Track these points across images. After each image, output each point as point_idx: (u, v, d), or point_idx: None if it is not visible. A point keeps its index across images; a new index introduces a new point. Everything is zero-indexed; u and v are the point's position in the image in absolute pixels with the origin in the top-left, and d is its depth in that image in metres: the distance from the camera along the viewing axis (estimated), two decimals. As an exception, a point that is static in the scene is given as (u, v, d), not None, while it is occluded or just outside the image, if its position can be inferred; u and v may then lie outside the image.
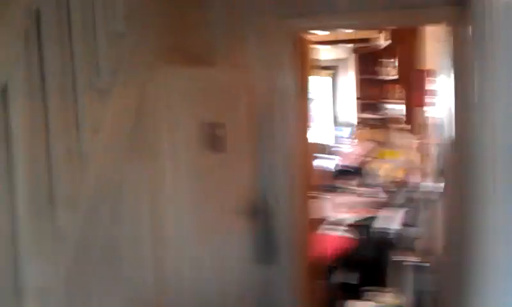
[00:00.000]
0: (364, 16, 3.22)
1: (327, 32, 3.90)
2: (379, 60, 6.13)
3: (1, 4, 1.42)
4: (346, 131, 7.24)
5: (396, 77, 5.22)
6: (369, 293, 4.16)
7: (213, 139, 2.82)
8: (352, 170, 6.14)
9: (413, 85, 4.51)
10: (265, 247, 3.30)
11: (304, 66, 3.61)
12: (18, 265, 1.42)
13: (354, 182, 5.87)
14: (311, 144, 3.98)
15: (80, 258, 1.72)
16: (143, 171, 2.30)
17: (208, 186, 2.82)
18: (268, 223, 3.31)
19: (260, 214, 3.20)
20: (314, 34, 3.82)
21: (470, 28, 2.86)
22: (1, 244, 1.40)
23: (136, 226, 2.23)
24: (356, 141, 6.95)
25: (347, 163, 6.40)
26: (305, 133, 3.74)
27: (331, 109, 7.65)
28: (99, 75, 1.97)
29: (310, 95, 3.91)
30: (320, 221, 4.47)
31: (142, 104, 2.36)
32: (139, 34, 2.31)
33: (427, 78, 4.01)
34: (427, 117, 4.17)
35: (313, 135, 3.96)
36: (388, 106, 5.93)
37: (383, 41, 5.61)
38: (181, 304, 2.68)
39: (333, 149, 7.04)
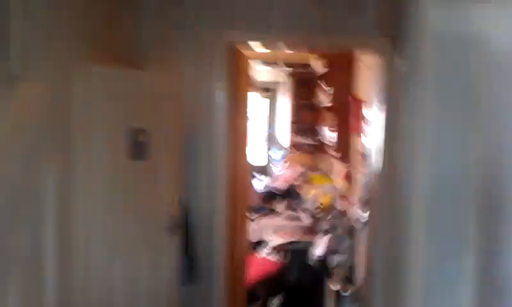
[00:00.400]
0: (297, 35, 3.20)
1: (264, 50, 3.84)
2: (315, 87, 6.20)
3: None
4: (279, 154, 7.26)
5: (330, 104, 5.27)
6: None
7: (136, 145, 2.64)
8: (281, 193, 6.13)
9: (349, 111, 4.55)
10: (188, 265, 3.12)
11: (240, 80, 3.52)
12: None
13: (281, 205, 5.83)
14: (246, 161, 3.87)
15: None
16: (49, 174, 2.07)
17: (127, 196, 2.62)
18: (191, 240, 3.14)
19: (182, 230, 3.03)
20: (251, 50, 3.76)
21: (402, 60, 2.91)
22: None
23: (37, 236, 1.99)
24: (287, 164, 6.98)
25: (276, 185, 6.38)
26: (240, 149, 3.63)
27: (266, 130, 7.68)
28: (7, 60, 1.77)
29: (247, 112, 3.82)
30: (247, 242, 4.36)
31: (55, 100, 2.15)
32: (57, 22, 2.12)
33: (363, 107, 4.05)
34: (359, 145, 4.21)
35: (248, 154, 3.85)
36: (321, 133, 5.99)
37: (320, 68, 5.66)
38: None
39: (264, 170, 7.04)
